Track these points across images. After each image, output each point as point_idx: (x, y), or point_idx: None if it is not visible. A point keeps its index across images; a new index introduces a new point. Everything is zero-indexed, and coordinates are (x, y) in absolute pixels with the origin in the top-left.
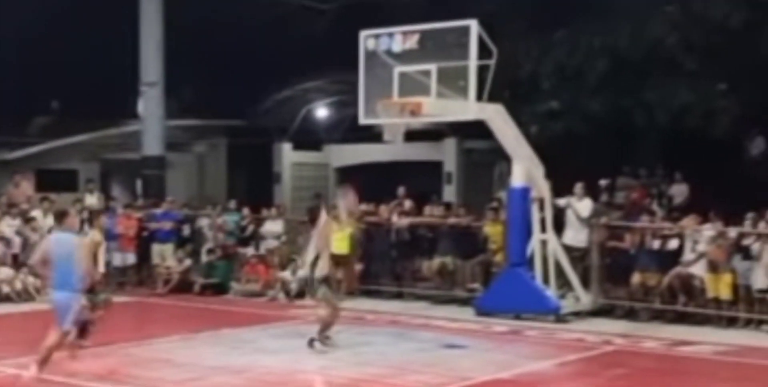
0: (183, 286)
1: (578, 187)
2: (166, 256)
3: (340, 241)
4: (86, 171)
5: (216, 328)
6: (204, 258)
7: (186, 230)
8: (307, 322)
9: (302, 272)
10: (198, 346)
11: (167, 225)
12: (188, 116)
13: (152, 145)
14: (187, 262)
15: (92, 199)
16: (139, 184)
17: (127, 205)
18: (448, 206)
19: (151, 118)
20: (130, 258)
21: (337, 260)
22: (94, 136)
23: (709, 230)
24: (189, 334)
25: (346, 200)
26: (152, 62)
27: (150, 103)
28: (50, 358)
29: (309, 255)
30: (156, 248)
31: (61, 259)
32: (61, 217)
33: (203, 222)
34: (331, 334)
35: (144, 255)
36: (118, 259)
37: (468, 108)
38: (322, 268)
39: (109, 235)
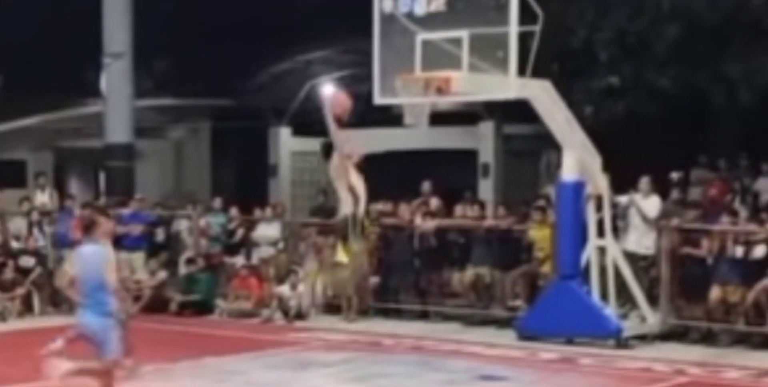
0: (157, 304)
1: (644, 181)
2: (135, 268)
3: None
4: (36, 162)
5: (197, 356)
6: (182, 269)
7: (160, 235)
8: (310, 348)
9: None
10: (175, 378)
11: (136, 229)
12: (163, 95)
13: (118, 131)
14: (162, 274)
15: (44, 197)
16: (101, 178)
17: (85, 204)
18: (483, 205)
19: (116, 96)
20: None
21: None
22: (45, 120)
23: None
24: (164, 364)
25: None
26: (118, 28)
27: (115, 79)
28: (80, 375)
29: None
30: (123, 257)
31: (90, 277)
32: (90, 226)
33: (181, 225)
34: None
35: None
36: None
37: (508, 84)
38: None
39: (64, 242)
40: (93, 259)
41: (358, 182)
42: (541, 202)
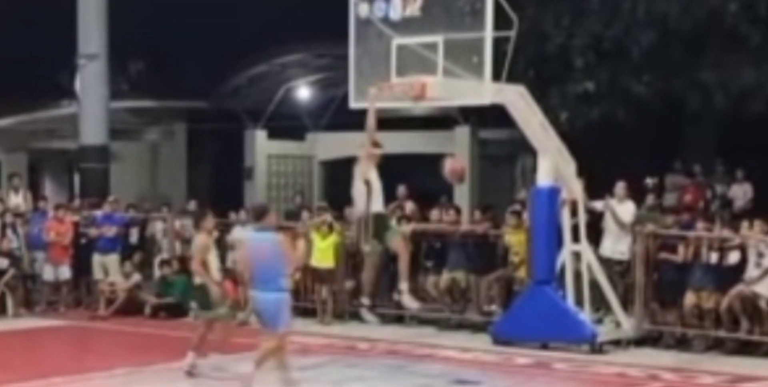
0: (131, 307)
1: (619, 186)
2: (109, 270)
3: (323, 253)
4: (9, 163)
5: (172, 359)
6: (157, 272)
7: (133, 236)
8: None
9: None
10: (149, 381)
11: (110, 231)
12: (138, 96)
13: (92, 132)
14: (136, 277)
15: (17, 199)
16: (76, 179)
17: (58, 205)
18: (459, 210)
19: (91, 98)
20: (64, 272)
21: (320, 275)
22: (19, 121)
23: None
24: (137, 367)
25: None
26: (93, 29)
27: (90, 80)
28: (266, 361)
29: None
30: (97, 260)
31: (262, 259)
32: (260, 214)
33: (156, 227)
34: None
35: (82, 268)
36: (49, 273)
37: (483, 90)
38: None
39: (37, 243)
40: (265, 243)
41: (375, 179)
42: (517, 207)
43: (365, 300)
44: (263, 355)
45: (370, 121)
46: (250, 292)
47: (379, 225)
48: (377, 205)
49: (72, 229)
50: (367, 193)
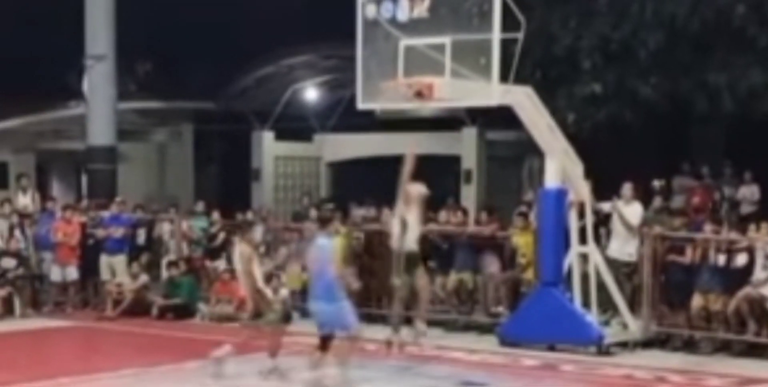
0: (138, 308)
1: (626, 187)
2: (116, 271)
3: None
4: (17, 164)
5: (179, 360)
6: (164, 273)
7: (141, 237)
8: (292, 352)
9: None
10: (156, 382)
11: (118, 232)
12: (146, 97)
13: (100, 133)
14: (143, 278)
15: (25, 200)
16: (83, 180)
17: (66, 206)
18: (467, 212)
19: (98, 99)
20: (72, 272)
21: None
22: (27, 122)
23: None
24: (145, 368)
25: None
26: (100, 30)
27: (98, 81)
28: (349, 356)
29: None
30: (104, 260)
31: (319, 268)
32: (325, 222)
33: (163, 228)
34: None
35: (89, 269)
36: (56, 274)
37: (491, 91)
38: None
39: (45, 244)
40: (323, 251)
41: (413, 220)
42: (524, 209)
43: (392, 333)
44: (342, 355)
45: (408, 167)
46: (310, 301)
47: (410, 263)
48: (411, 243)
49: (79, 229)
50: (402, 231)
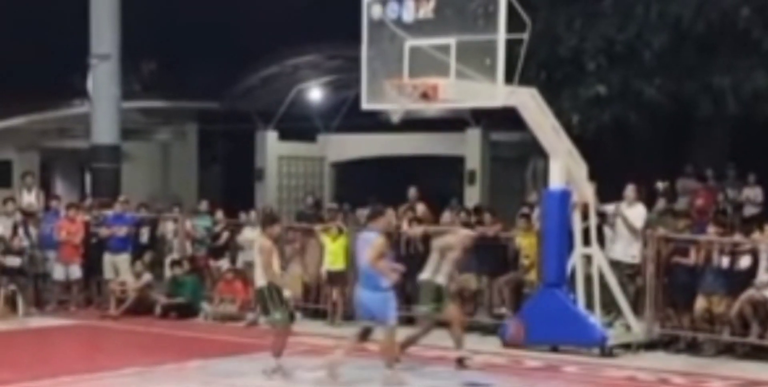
0: (141, 307)
1: (629, 189)
2: (120, 270)
3: (334, 255)
4: (22, 162)
5: (182, 359)
6: (167, 272)
7: (144, 236)
8: (294, 352)
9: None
10: (159, 381)
11: (121, 230)
12: (150, 97)
13: (104, 132)
14: (147, 276)
15: (30, 198)
16: (87, 179)
17: (69, 205)
18: (470, 212)
19: (103, 98)
20: (75, 271)
21: (330, 278)
22: (31, 120)
23: None
24: (148, 367)
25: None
26: (105, 29)
27: (102, 80)
28: (393, 353)
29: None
30: (108, 259)
31: (364, 259)
32: (373, 216)
33: (167, 227)
34: None
35: (92, 267)
36: (59, 273)
37: (495, 92)
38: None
39: (49, 243)
40: (366, 244)
41: (451, 258)
42: (526, 210)
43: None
44: (388, 351)
45: (456, 254)
46: (356, 290)
47: (439, 294)
48: (442, 277)
49: (83, 228)
50: (438, 264)
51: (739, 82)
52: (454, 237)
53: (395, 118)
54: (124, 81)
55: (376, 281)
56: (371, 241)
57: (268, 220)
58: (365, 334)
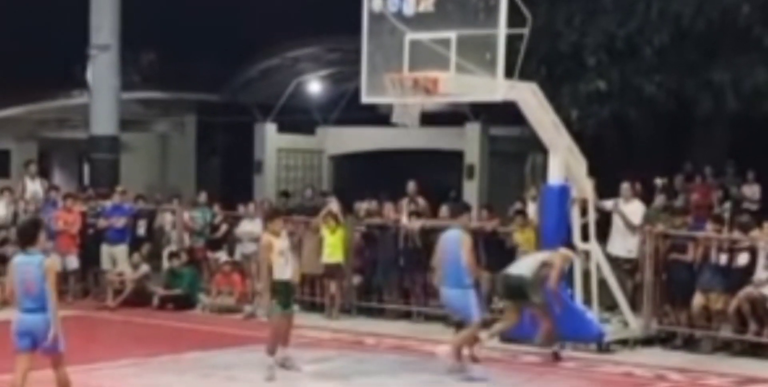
0: (139, 298)
1: (624, 187)
2: (117, 261)
3: (332, 247)
4: (21, 152)
5: (179, 351)
6: (165, 264)
7: (141, 228)
8: (291, 345)
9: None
10: (156, 373)
11: (119, 221)
12: (149, 88)
13: (103, 123)
14: (144, 268)
15: (35, 186)
16: (86, 169)
17: (66, 195)
18: (469, 207)
19: (102, 89)
20: (72, 261)
21: (328, 270)
22: (30, 110)
23: None
24: (145, 358)
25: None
26: (105, 20)
27: (101, 71)
28: (462, 347)
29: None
30: (105, 250)
31: (447, 257)
32: (457, 213)
33: (165, 219)
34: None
35: (90, 258)
36: (57, 263)
37: (495, 86)
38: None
39: (47, 233)
40: (452, 242)
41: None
42: (519, 206)
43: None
44: (458, 344)
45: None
46: (440, 288)
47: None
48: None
49: (80, 218)
50: (538, 270)
51: (739, 79)
52: (559, 257)
53: (407, 122)
54: (123, 72)
55: (460, 278)
56: (455, 238)
57: (269, 214)
58: (460, 326)
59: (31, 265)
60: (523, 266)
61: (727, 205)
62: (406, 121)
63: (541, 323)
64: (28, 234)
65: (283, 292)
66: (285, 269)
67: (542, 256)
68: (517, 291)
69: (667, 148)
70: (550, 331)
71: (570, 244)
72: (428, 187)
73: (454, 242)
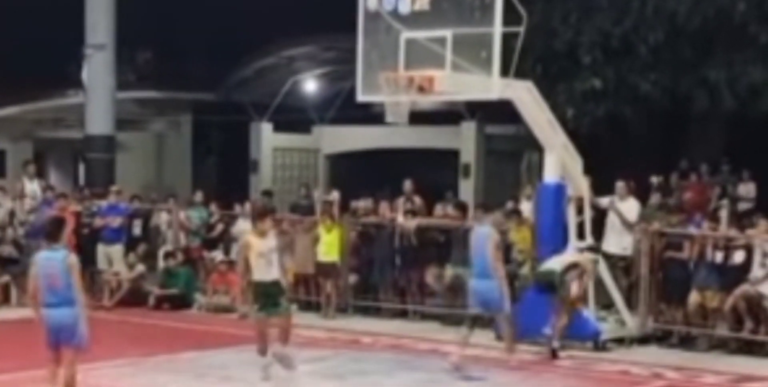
0: (134, 298)
1: (619, 186)
2: (113, 260)
3: (328, 246)
4: (16, 152)
5: (175, 350)
6: (161, 263)
7: (137, 228)
8: (293, 344)
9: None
10: (152, 372)
11: (115, 221)
12: (145, 87)
13: (99, 122)
14: (140, 267)
15: (33, 185)
16: (81, 169)
17: (59, 194)
18: (465, 206)
19: (97, 88)
20: None
21: (324, 269)
22: (25, 109)
23: None
24: (141, 358)
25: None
26: (100, 19)
27: (97, 70)
28: (514, 342)
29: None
30: (101, 250)
31: (478, 252)
32: (488, 209)
33: (161, 218)
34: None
35: (85, 258)
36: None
37: (491, 85)
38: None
39: (39, 232)
40: (482, 237)
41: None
42: (511, 205)
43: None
44: (509, 339)
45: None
46: (470, 281)
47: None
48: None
49: (73, 218)
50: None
51: (734, 77)
52: (589, 261)
53: (397, 119)
54: (118, 71)
55: (490, 270)
56: (485, 234)
57: (259, 213)
58: (474, 322)
59: (55, 260)
60: (554, 263)
61: (725, 201)
62: (397, 118)
63: (556, 317)
64: (52, 231)
65: (262, 294)
66: (266, 270)
67: (571, 257)
68: (549, 285)
69: (663, 146)
70: (562, 329)
71: (593, 248)
72: (424, 186)
73: (484, 238)
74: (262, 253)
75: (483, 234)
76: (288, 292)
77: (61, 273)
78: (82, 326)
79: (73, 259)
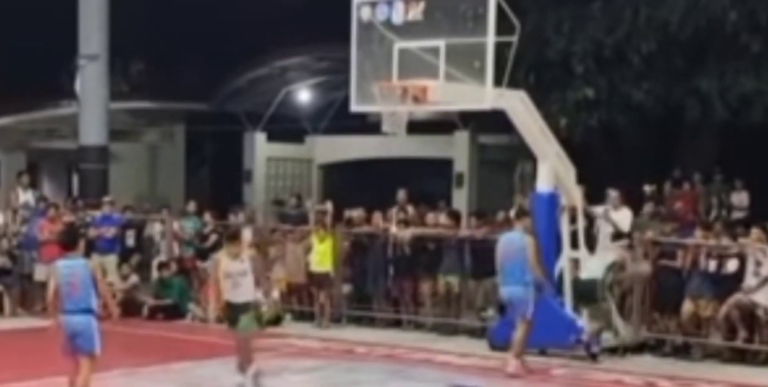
0: (128, 308)
1: (612, 196)
2: (107, 271)
3: (321, 256)
4: (9, 162)
5: (167, 361)
6: (155, 274)
7: (130, 238)
8: (282, 354)
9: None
10: (145, 382)
11: (109, 231)
12: (138, 97)
13: (92, 133)
14: (134, 278)
15: (26, 196)
16: (74, 179)
17: (51, 204)
18: (458, 215)
19: (90, 98)
20: None
21: (317, 279)
22: (19, 120)
23: None
24: (134, 368)
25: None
26: (94, 30)
27: (90, 81)
28: (523, 347)
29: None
30: (95, 260)
31: (509, 257)
32: (518, 215)
33: (154, 228)
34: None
35: None
36: (41, 273)
37: (484, 94)
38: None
39: (34, 243)
40: (512, 243)
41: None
42: (503, 215)
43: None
44: (520, 343)
45: None
46: (501, 287)
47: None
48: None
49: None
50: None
51: (726, 86)
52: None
53: (394, 129)
54: (112, 82)
55: (522, 275)
56: (515, 240)
57: (230, 236)
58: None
59: (77, 268)
60: (594, 269)
61: (715, 212)
62: (394, 128)
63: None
64: (69, 239)
65: (227, 314)
66: (233, 292)
67: (609, 257)
68: (589, 295)
69: (656, 156)
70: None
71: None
72: (417, 196)
73: (517, 243)
74: (229, 274)
75: (515, 240)
76: (276, 305)
77: (84, 280)
78: (97, 334)
79: (95, 263)
